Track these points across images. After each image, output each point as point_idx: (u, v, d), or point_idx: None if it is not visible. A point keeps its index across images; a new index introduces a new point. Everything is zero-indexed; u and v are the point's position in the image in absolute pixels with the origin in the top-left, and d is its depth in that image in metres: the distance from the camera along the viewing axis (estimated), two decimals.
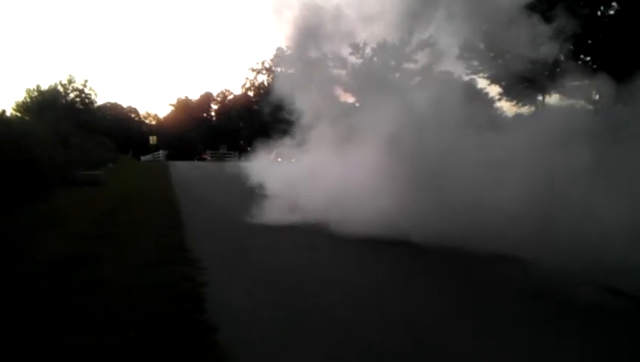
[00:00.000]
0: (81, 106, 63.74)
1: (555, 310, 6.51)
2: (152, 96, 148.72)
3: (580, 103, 20.22)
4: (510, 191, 9.21)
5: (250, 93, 77.64)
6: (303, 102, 14.70)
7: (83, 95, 65.77)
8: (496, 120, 13.16)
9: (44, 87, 62.45)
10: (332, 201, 11.85)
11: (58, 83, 64.55)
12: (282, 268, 8.45)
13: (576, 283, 7.22)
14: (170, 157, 59.20)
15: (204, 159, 63.95)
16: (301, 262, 9.08)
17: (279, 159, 20.64)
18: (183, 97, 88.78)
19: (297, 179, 14.04)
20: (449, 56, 17.88)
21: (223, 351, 4.95)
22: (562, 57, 16.33)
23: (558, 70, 16.65)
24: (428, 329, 5.79)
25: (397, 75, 20.75)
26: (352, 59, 20.82)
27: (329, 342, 5.29)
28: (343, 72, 21.72)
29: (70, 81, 65.28)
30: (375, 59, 20.24)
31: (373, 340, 5.38)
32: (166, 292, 6.64)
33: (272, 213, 12.48)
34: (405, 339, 5.44)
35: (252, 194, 13.63)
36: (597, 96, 17.53)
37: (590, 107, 19.34)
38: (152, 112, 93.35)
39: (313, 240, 10.79)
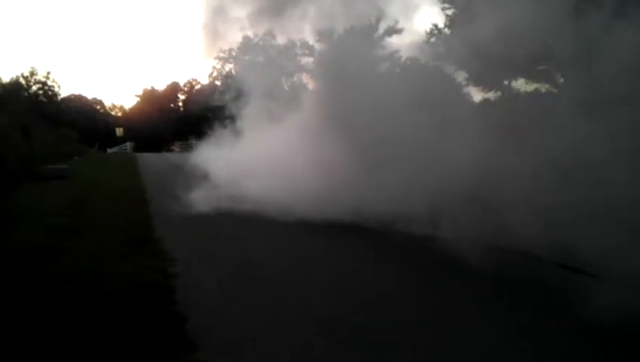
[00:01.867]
0: (44, 99, 62.46)
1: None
2: (117, 87, 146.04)
3: (545, 87, 20.49)
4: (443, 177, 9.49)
5: (218, 83, 76.76)
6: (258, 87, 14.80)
7: (46, 87, 64.45)
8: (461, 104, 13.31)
9: (6, 79, 60.98)
10: (282, 186, 12.00)
11: (20, 75, 63.13)
12: (250, 258, 8.42)
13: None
14: (137, 149, 58.38)
15: (172, 150, 63.23)
16: (267, 251, 9.07)
17: None
18: (149, 88, 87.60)
19: (247, 166, 14.17)
20: (416, 42, 18.10)
21: (193, 340, 4.92)
22: (527, 42, 16.45)
23: (523, 54, 16.81)
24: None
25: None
26: (320, 46, 20.76)
27: (302, 332, 5.29)
28: (311, 60, 21.68)
29: (32, 74, 63.91)
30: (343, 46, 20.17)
31: (349, 325, 5.41)
32: (136, 284, 6.57)
33: (228, 202, 12.52)
34: (387, 325, 5.49)
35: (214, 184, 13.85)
36: (562, 80, 17.76)
37: (555, 90, 19.59)
38: (118, 104, 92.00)
39: (272, 228, 10.83)
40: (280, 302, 6.17)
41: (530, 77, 20.71)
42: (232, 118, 16.97)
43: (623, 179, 6.70)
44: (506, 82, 24.42)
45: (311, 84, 19.55)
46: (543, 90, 21.63)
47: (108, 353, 4.61)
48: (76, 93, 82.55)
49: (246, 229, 10.83)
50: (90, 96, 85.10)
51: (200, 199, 12.71)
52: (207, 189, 13.48)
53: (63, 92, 72.33)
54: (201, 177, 14.75)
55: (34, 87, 63.76)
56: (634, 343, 5.05)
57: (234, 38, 20.49)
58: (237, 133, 16.72)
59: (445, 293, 6.71)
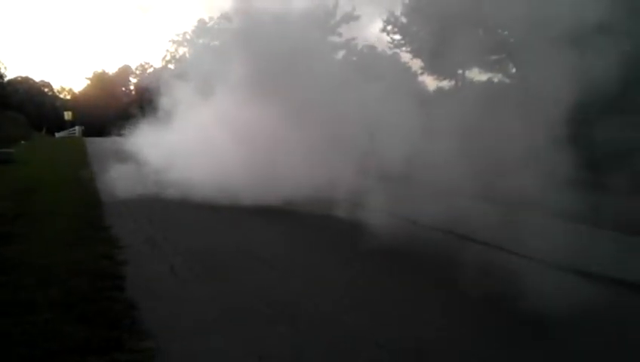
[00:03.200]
0: None
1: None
2: (66, 69, 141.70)
3: (498, 76, 20.80)
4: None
5: (171, 66, 75.38)
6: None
7: None
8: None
9: None
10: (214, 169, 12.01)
11: None
12: (201, 246, 8.26)
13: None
14: (87, 134, 56.96)
15: (122, 135, 61.93)
16: (215, 237, 9.01)
17: None
18: (99, 71, 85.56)
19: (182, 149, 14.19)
20: (373, 30, 18.20)
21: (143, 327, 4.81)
22: (481, 32, 16.66)
23: (477, 44, 17.00)
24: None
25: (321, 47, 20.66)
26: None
27: (256, 319, 5.22)
28: None
29: None
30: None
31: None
32: (84, 271, 6.37)
33: (165, 187, 12.51)
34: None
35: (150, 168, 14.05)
36: (514, 70, 18.05)
37: (507, 80, 19.89)
38: (67, 86, 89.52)
39: (216, 213, 10.87)
40: (232, 289, 6.10)
41: (483, 67, 20.99)
42: (168, 102, 16.76)
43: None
44: (460, 71, 24.66)
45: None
46: (496, 80, 21.93)
47: (55, 341, 4.44)
48: (23, 75, 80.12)
49: (191, 214, 10.80)
50: (37, 79, 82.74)
51: (132, 184, 12.60)
52: (140, 174, 13.52)
53: (9, 74, 69.87)
54: (138, 162, 14.74)
55: None
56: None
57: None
58: (171, 116, 16.61)
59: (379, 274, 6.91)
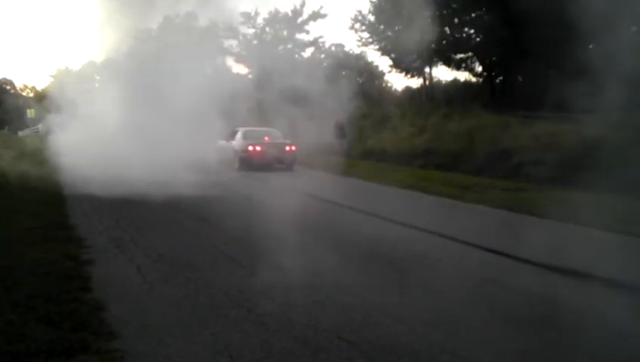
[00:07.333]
0: None
1: None
2: (28, 67, 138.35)
3: (465, 75, 21.10)
4: None
5: None
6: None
7: None
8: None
9: None
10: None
11: None
12: (163, 245, 8.09)
13: None
14: (50, 131, 55.92)
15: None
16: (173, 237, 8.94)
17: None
18: (63, 68, 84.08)
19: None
20: (340, 28, 19.01)
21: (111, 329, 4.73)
22: (448, 30, 16.89)
23: (444, 42, 17.27)
24: None
25: (289, 45, 20.66)
26: (244, 29, 20.53)
27: (225, 319, 5.17)
28: (235, 42, 21.34)
29: None
30: (267, 29, 20.01)
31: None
32: (48, 272, 6.25)
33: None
34: None
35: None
36: (480, 68, 18.36)
37: (474, 79, 20.15)
38: (30, 84, 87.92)
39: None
40: (198, 288, 6.03)
41: (449, 64, 21.23)
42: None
43: None
44: (427, 69, 24.86)
45: (235, 68, 19.59)
46: (463, 79, 22.21)
47: (19, 343, 4.35)
48: None
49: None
50: None
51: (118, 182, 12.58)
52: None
53: None
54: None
55: None
56: None
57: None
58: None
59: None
